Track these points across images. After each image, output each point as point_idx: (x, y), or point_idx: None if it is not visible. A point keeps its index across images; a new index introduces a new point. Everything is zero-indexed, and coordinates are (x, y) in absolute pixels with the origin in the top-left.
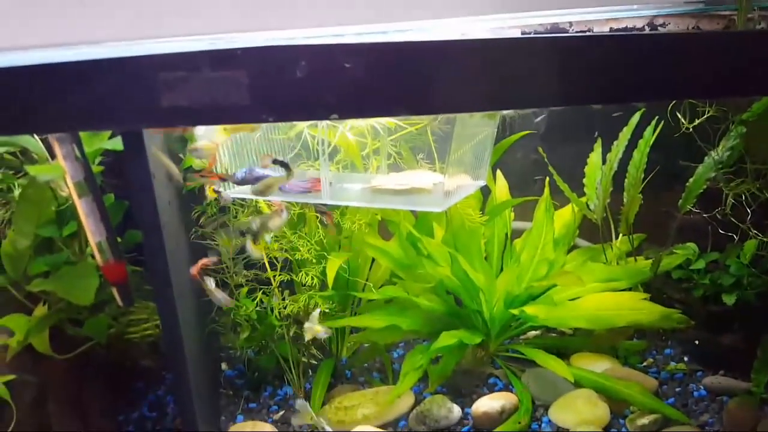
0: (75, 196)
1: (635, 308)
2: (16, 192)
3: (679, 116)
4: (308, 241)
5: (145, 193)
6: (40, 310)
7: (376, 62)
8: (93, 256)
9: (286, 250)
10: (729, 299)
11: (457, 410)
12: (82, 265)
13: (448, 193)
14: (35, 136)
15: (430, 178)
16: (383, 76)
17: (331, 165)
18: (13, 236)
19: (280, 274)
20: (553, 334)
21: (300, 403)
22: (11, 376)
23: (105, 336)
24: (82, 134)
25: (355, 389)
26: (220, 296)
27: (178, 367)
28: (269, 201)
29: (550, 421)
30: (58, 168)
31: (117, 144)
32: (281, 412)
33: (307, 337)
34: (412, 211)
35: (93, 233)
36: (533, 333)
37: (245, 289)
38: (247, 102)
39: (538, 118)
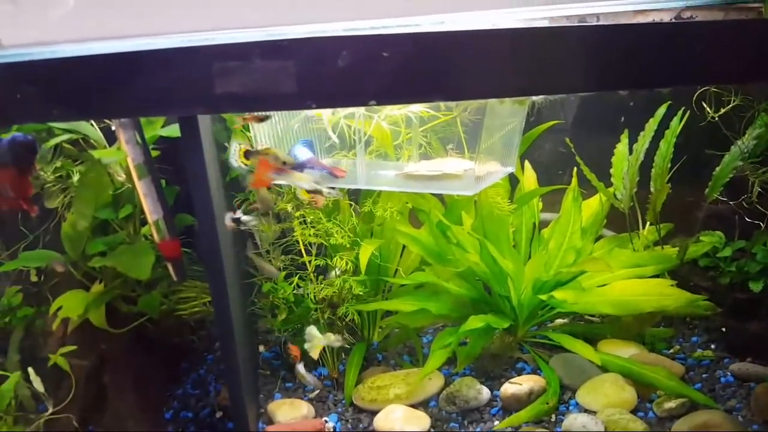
0: (135, 178)
1: (662, 294)
2: (75, 178)
3: (705, 106)
4: (342, 228)
5: (200, 177)
6: (97, 288)
7: (412, 51)
8: (147, 237)
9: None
10: (756, 286)
11: (486, 392)
12: (139, 244)
13: (478, 178)
14: (94, 124)
15: (460, 164)
16: (418, 64)
17: (366, 154)
18: (73, 218)
19: (315, 259)
20: (581, 322)
21: (309, 329)
22: (72, 347)
23: (158, 311)
24: (141, 121)
25: (386, 371)
26: (270, 268)
27: (227, 342)
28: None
29: (577, 404)
30: (121, 152)
31: (172, 131)
32: (316, 392)
33: (315, 354)
34: (442, 201)
35: (151, 212)
36: (560, 321)
37: (283, 274)
38: (292, 89)
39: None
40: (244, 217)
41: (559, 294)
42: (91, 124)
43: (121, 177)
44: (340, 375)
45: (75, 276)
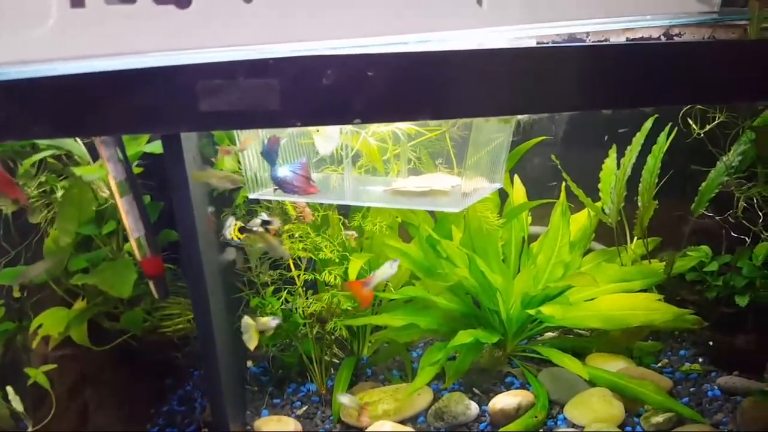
0: (117, 195)
1: (649, 308)
2: (59, 193)
3: (691, 122)
4: (331, 242)
5: (182, 192)
6: (80, 305)
7: (397, 70)
8: (130, 254)
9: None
10: (742, 300)
11: (474, 407)
12: (121, 261)
13: (465, 194)
14: (79, 140)
15: (448, 180)
16: (403, 83)
17: (354, 169)
18: (56, 234)
19: (304, 274)
20: (570, 336)
21: (243, 320)
22: (53, 366)
23: (140, 328)
24: (124, 138)
25: (375, 386)
26: (280, 249)
27: (210, 358)
28: (294, 203)
29: (565, 418)
30: (102, 169)
31: (155, 147)
32: (304, 408)
33: (252, 345)
34: (431, 215)
35: (132, 229)
36: (550, 334)
37: (271, 288)
38: (277, 107)
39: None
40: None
41: (546, 309)
42: (75, 140)
43: (105, 193)
44: (328, 391)
45: (57, 292)
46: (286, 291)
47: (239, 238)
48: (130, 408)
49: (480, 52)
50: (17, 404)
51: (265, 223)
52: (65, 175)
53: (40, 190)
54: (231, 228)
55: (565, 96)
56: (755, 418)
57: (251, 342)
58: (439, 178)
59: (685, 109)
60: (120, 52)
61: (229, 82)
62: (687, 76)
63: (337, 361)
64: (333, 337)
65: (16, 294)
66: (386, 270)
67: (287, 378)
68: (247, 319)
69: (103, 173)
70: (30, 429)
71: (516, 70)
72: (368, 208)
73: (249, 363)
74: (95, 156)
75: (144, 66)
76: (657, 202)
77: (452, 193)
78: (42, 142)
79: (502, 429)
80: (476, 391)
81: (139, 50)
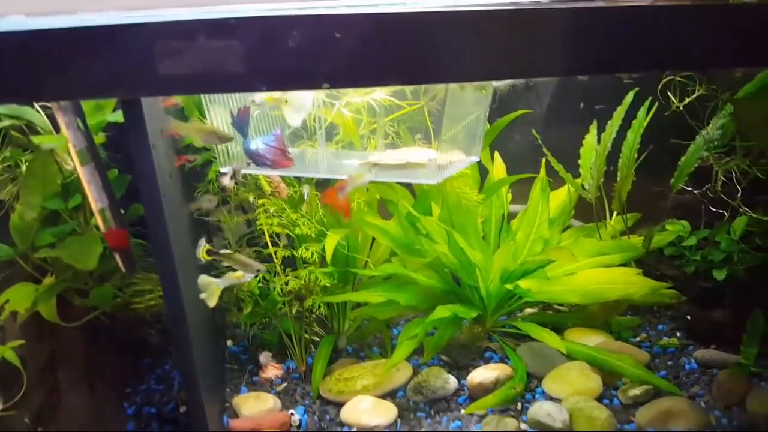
0: (77, 164)
1: (627, 282)
2: (24, 167)
3: (670, 95)
4: (309, 219)
5: (145, 162)
6: (48, 280)
7: (367, 32)
8: (98, 228)
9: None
10: (719, 274)
11: (453, 381)
12: (88, 235)
13: (441, 167)
14: (39, 110)
15: (424, 154)
16: (373, 45)
17: (331, 144)
18: (21, 209)
19: (281, 251)
20: (549, 312)
21: (200, 279)
22: (20, 341)
23: (110, 304)
24: (86, 106)
25: (355, 363)
26: (250, 263)
27: (181, 335)
28: (269, 177)
29: (543, 392)
30: (62, 137)
31: (119, 116)
32: (284, 385)
33: (212, 303)
34: (411, 191)
35: (95, 200)
36: (529, 310)
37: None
38: (240, 70)
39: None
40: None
41: (524, 283)
42: (36, 110)
43: (69, 165)
44: (308, 368)
45: (25, 269)
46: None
47: (206, 259)
48: (104, 386)
49: (454, 13)
50: None
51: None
52: (29, 149)
53: (4, 164)
54: (200, 249)
55: (542, 60)
56: (731, 390)
57: (211, 300)
58: (415, 152)
59: (664, 81)
60: (77, 8)
61: (190, 43)
62: (670, 40)
63: (317, 339)
64: (312, 315)
65: None
66: (361, 178)
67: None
68: (204, 278)
69: (63, 142)
70: (0, 406)
71: (493, 31)
72: None
73: (228, 342)
74: (58, 128)
75: (99, 24)
76: (634, 174)
77: (429, 166)
78: (1, 113)
79: (479, 400)
80: (455, 365)
81: (94, 8)
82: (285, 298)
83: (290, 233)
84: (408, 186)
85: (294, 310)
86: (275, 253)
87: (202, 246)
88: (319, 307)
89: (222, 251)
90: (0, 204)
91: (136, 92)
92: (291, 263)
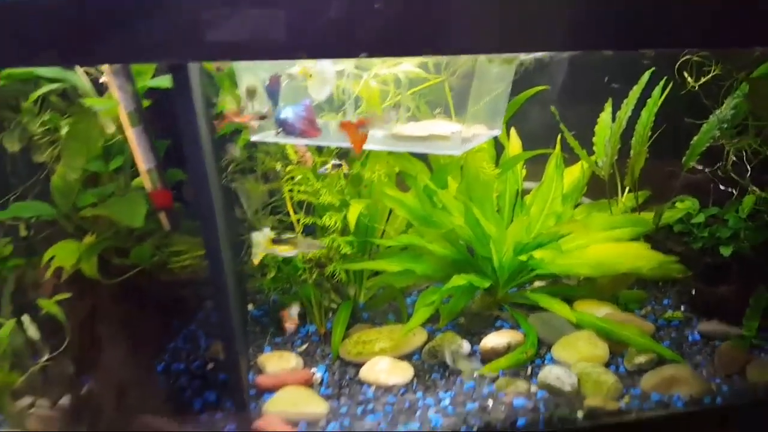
0: (127, 126)
1: (637, 256)
2: (63, 131)
3: (686, 75)
4: (331, 189)
5: (191, 126)
6: (89, 239)
7: (406, 3)
8: (139, 188)
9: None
10: (726, 251)
11: (466, 346)
12: (132, 195)
13: (465, 139)
14: (83, 74)
15: (447, 127)
16: (412, 16)
17: (353, 116)
18: (63, 171)
19: (305, 218)
20: (557, 285)
21: (253, 236)
22: (65, 295)
23: (149, 262)
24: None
25: (371, 328)
26: (313, 243)
27: (222, 293)
28: (295, 147)
29: (552, 358)
30: (112, 100)
31: (161, 81)
32: (305, 346)
33: (257, 260)
34: (428, 166)
35: (143, 161)
36: (538, 283)
37: (272, 234)
38: (283, 38)
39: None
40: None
41: (538, 254)
42: (80, 75)
43: (111, 128)
44: (327, 331)
45: (65, 228)
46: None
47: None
48: (139, 343)
49: None
50: (33, 332)
51: (336, 166)
52: (69, 113)
53: (44, 128)
54: (265, 238)
55: (573, 33)
56: (732, 360)
57: (256, 258)
58: (439, 124)
59: (681, 60)
60: None
61: (236, 10)
62: (690, 17)
63: (335, 306)
64: (332, 282)
65: (23, 232)
66: (387, 115)
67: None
68: (258, 234)
69: (112, 105)
70: (46, 356)
71: (524, 3)
72: (367, 157)
73: (250, 306)
74: (100, 92)
75: None
76: (647, 152)
77: (452, 138)
78: (45, 77)
79: (493, 362)
80: (467, 332)
81: None
82: (307, 265)
83: (314, 202)
84: (425, 160)
85: (314, 277)
86: (298, 221)
87: (267, 235)
88: (337, 274)
89: (286, 236)
90: (41, 166)
91: (183, 57)
92: (310, 232)
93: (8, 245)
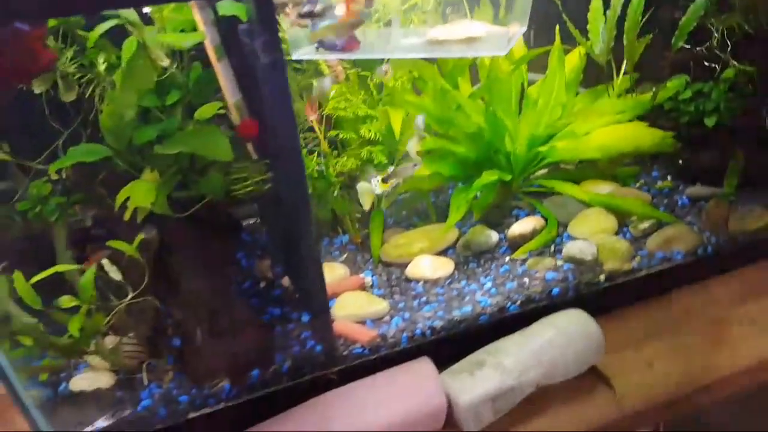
0: (214, 60)
1: (637, 135)
2: (101, 67)
3: None
4: (362, 100)
5: (276, 59)
6: (151, 175)
7: None
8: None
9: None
10: (710, 121)
11: (495, 236)
12: (207, 128)
13: (510, 39)
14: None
15: (480, 27)
16: None
17: (372, 24)
18: (111, 109)
19: (344, 132)
20: (564, 167)
21: (359, 186)
22: (141, 236)
23: (221, 192)
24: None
25: (403, 232)
26: (405, 170)
27: (302, 215)
28: (329, 62)
29: (570, 236)
30: (200, 34)
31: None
32: (344, 255)
33: (367, 205)
34: (439, 69)
35: (231, 93)
36: (540, 172)
37: (305, 150)
38: None
39: None
40: None
41: (559, 144)
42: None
43: (164, 62)
44: (363, 239)
45: (120, 168)
46: (316, 153)
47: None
48: (212, 271)
49: None
50: (115, 274)
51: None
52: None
53: (78, 65)
54: (376, 182)
55: None
56: (717, 215)
57: (366, 204)
58: (473, 25)
59: None
60: None
61: None
62: None
63: (359, 216)
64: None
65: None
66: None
67: (320, 233)
68: (362, 184)
69: (201, 38)
70: (130, 294)
71: None
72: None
73: None
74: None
75: None
76: (650, 36)
77: (496, 38)
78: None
79: (523, 246)
80: (491, 224)
81: None
82: (339, 179)
83: (353, 115)
84: (434, 63)
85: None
86: (338, 135)
87: (377, 181)
88: None
89: (393, 177)
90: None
91: None
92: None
93: (46, 184)
